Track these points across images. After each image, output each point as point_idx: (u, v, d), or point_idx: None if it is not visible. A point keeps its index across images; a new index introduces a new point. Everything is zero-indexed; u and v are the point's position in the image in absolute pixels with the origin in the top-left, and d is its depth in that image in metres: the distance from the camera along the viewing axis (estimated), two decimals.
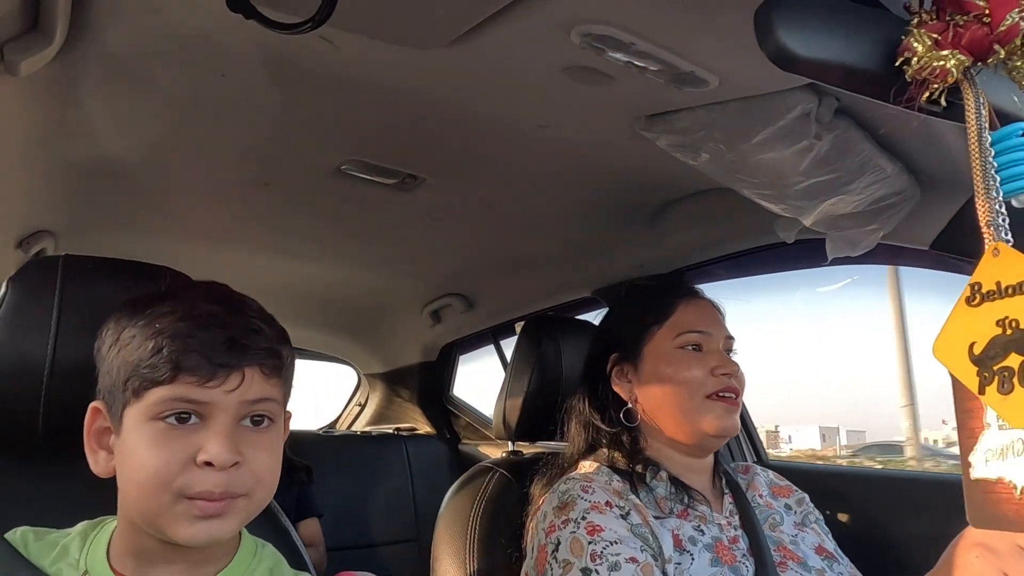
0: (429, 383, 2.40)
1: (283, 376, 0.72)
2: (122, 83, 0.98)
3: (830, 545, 1.10)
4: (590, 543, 0.92)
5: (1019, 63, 0.49)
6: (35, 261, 0.91)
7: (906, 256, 1.15)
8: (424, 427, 2.49)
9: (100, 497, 0.72)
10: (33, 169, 1.26)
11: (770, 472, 1.23)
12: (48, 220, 1.45)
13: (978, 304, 0.52)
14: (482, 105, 1.04)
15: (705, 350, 1.08)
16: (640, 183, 1.33)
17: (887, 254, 1.16)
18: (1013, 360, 0.49)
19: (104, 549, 0.71)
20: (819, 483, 1.48)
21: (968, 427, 0.52)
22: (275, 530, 0.98)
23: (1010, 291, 0.50)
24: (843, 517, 1.42)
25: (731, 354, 1.11)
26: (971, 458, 0.51)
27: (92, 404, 0.71)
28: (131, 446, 0.66)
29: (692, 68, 0.80)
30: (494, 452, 2.12)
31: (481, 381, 2.44)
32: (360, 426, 2.74)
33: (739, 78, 0.83)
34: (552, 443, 1.38)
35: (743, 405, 1.64)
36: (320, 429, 2.77)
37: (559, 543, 0.95)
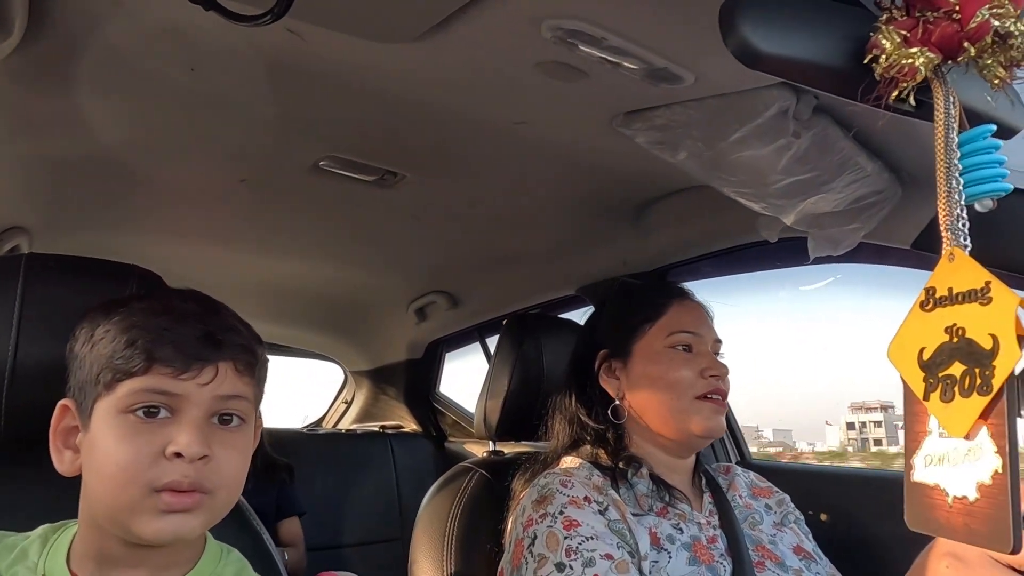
0: (415, 381, 2.39)
1: (256, 376, 0.72)
2: (87, 77, 0.96)
3: (808, 545, 1.09)
4: (566, 538, 0.91)
5: (990, 61, 0.47)
6: None
7: (888, 255, 1.14)
8: (410, 425, 2.48)
9: (63, 500, 0.71)
10: (8, 163, 1.24)
11: (751, 473, 1.22)
12: (22, 217, 1.43)
13: (931, 309, 0.51)
14: (458, 101, 1.02)
15: (695, 351, 1.07)
16: (622, 181, 1.31)
17: (869, 253, 1.15)
18: (956, 368, 0.48)
19: (64, 553, 0.70)
20: (803, 483, 1.47)
21: (913, 430, 0.52)
22: (245, 532, 0.97)
23: (960, 298, 0.49)
24: (826, 517, 1.41)
25: (719, 357, 1.11)
26: (913, 460, 0.51)
27: (60, 402, 0.70)
28: (100, 440, 0.65)
29: (666, 64, 0.78)
30: (481, 450, 2.11)
31: (468, 379, 2.43)
32: (346, 424, 2.73)
33: (715, 75, 0.81)
34: (534, 443, 1.37)
35: (728, 409, 1.64)
36: (306, 427, 2.75)
37: (535, 537, 0.94)
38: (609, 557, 0.89)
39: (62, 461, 0.69)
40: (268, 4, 0.64)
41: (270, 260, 1.81)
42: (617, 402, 1.10)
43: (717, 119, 0.90)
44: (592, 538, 0.91)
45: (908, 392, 0.52)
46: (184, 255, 1.70)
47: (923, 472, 0.50)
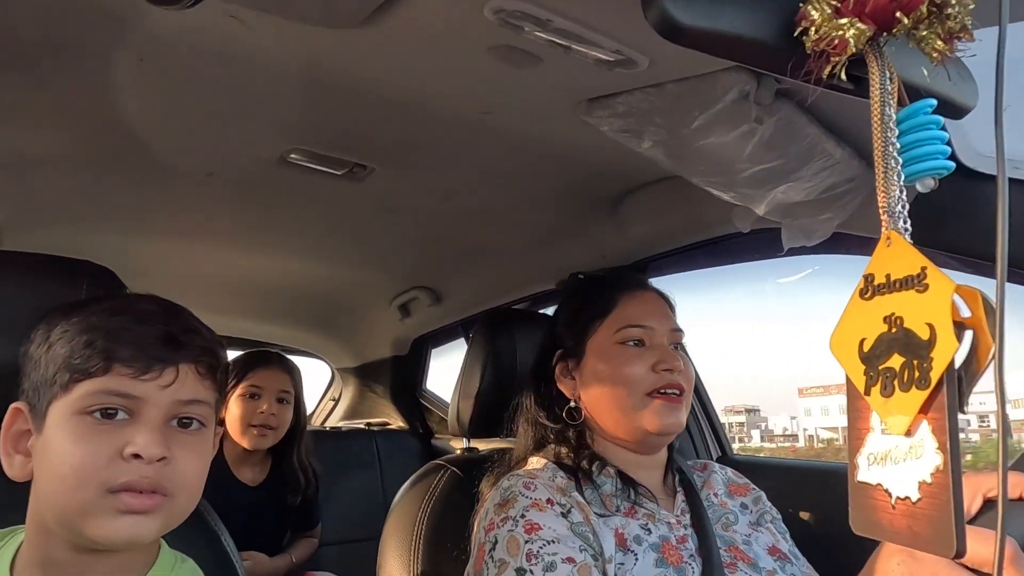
0: (401, 377, 2.37)
1: (217, 380, 0.71)
2: (39, 69, 0.94)
3: (785, 546, 1.06)
4: (527, 542, 0.89)
5: (925, 32, 0.44)
6: None
7: (863, 246, 1.11)
8: (397, 422, 2.46)
9: (14, 503, 0.69)
10: None
11: (728, 470, 1.19)
12: None
13: (870, 298, 0.48)
14: (417, 90, 1.00)
15: (648, 345, 1.03)
16: (596, 172, 1.29)
17: (844, 243, 1.13)
18: (895, 361, 0.45)
19: (10, 559, 0.68)
20: (786, 479, 1.45)
21: (856, 427, 0.49)
22: (204, 535, 0.95)
23: (897, 285, 0.46)
24: (809, 511, 1.38)
25: (678, 348, 1.07)
26: (857, 460, 0.48)
27: (13, 405, 0.68)
28: (54, 442, 0.64)
29: (617, 47, 0.75)
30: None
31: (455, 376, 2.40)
32: (334, 421, 2.71)
33: (668, 59, 0.79)
34: (511, 440, 1.35)
35: (707, 400, 1.61)
36: None
37: (497, 541, 0.92)
38: (571, 561, 0.86)
39: (12, 465, 0.67)
40: None
41: (248, 256, 1.79)
42: (573, 403, 1.07)
43: (677, 105, 0.87)
44: (554, 541, 0.88)
45: (850, 387, 0.50)
46: (158, 252, 1.69)
47: (866, 472, 0.48)
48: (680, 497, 1.06)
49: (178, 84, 1.01)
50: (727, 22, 0.46)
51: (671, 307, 1.10)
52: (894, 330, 0.46)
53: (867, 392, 0.48)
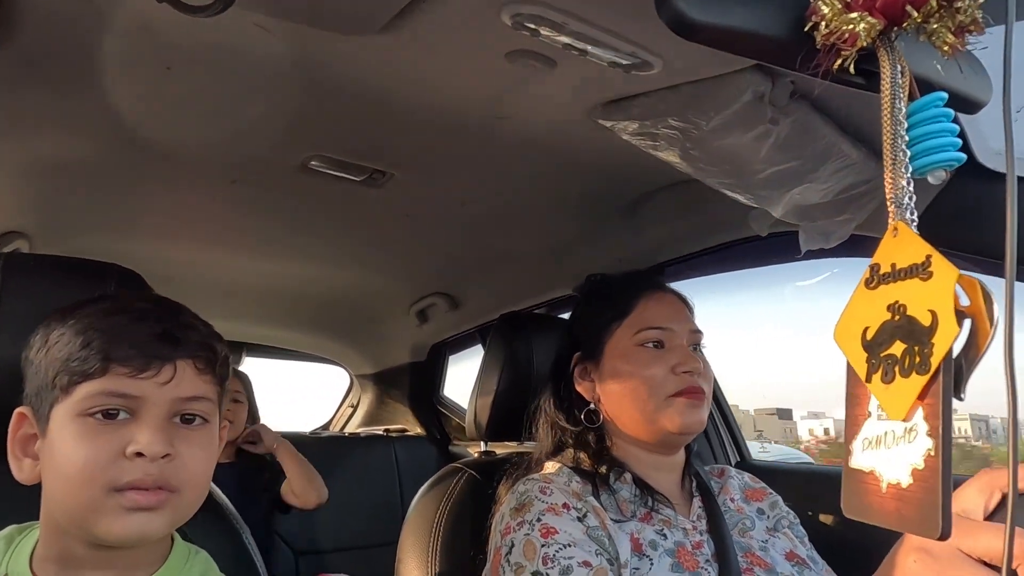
0: (419, 384, 2.38)
1: (217, 373, 0.71)
2: (65, 78, 0.97)
3: (803, 551, 1.05)
4: (543, 546, 0.89)
5: (936, 26, 0.45)
6: None
7: None
8: (415, 428, 2.47)
9: (25, 499, 0.70)
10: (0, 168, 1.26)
11: (745, 474, 1.18)
12: (19, 221, 1.46)
13: (875, 287, 0.48)
14: (436, 96, 1.02)
15: (667, 347, 1.03)
16: (612, 176, 1.30)
17: (863, 245, 1.12)
18: (897, 348, 0.46)
19: (28, 555, 0.69)
20: (804, 484, 1.44)
21: (853, 414, 0.49)
22: (224, 529, 0.96)
23: (902, 274, 0.46)
24: (827, 516, 1.37)
25: (697, 348, 1.06)
26: (851, 445, 0.49)
27: (17, 410, 0.69)
28: (58, 445, 0.64)
29: (632, 50, 0.76)
30: None
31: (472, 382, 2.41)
32: (352, 428, 2.73)
33: (682, 61, 0.79)
34: (528, 444, 1.35)
35: (724, 404, 1.61)
36: (312, 431, 2.75)
37: (513, 545, 0.92)
38: (587, 565, 0.87)
39: (21, 469, 0.68)
40: None
41: (269, 262, 1.82)
42: (592, 405, 1.07)
43: (692, 107, 0.88)
44: (570, 545, 0.89)
45: (851, 374, 0.50)
46: (182, 258, 1.72)
47: (860, 457, 0.48)
48: (697, 502, 1.05)
49: (202, 92, 1.04)
50: (739, 18, 0.47)
51: (690, 308, 1.10)
52: (897, 318, 0.46)
53: (868, 379, 0.48)
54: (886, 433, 0.46)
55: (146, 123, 1.13)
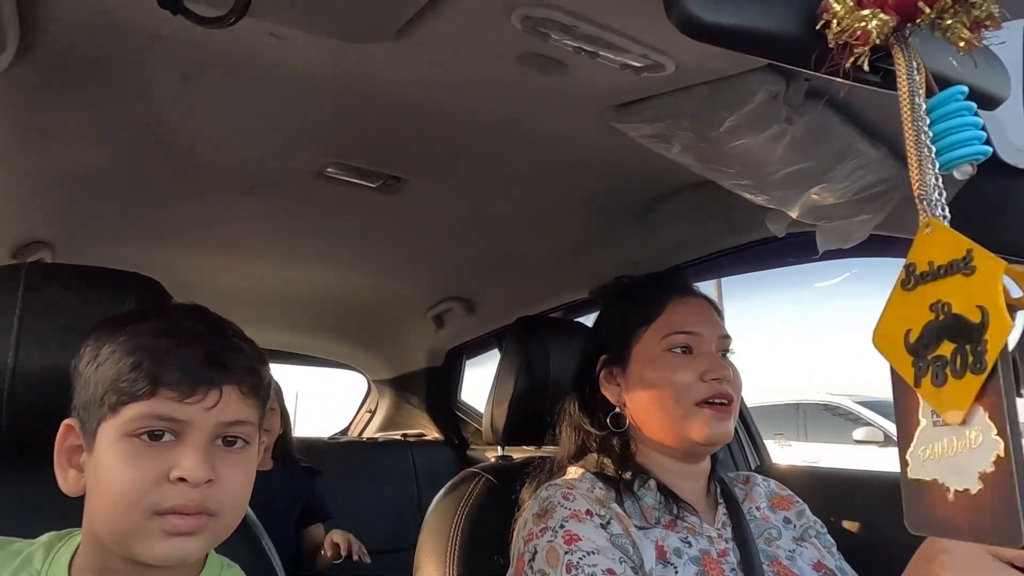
0: (436, 388, 2.39)
1: (260, 398, 0.72)
2: (85, 88, 0.98)
3: (831, 561, 1.03)
4: (567, 553, 0.88)
5: (950, 22, 0.44)
6: None
7: (901, 247, 1.09)
8: (432, 433, 2.48)
9: (66, 506, 0.71)
10: (21, 178, 1.28)
11: (772, 482, 1.15)
12: (43, 231, 1.48)
13: (913, 287, 0.47)
14: (449, 101, 1.02)
15: (696, 352, 1.01)
16: (626, 178, 1.29)
17: (882, 245, 1.10)
18: (945, 348, 0.44)
19: (67, 562, 0.70)
20: (830, 489, 1.42)
21: (906, 422, 0.47)
22: (246, 541, 0.97)
23: (942, 271, 0.45)
24: (853, 521, 1.35)
25: (726, 355, 1.04)
26: (908, 455, 0.47)
27: (65, 421, 0.70)
28: (103, 463, 0.65)
29: (644, 51, 0.76)
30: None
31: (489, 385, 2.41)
32: (371, 432, 2.74)
33: (695, 61, 0.79)
34: (546, 448, 1.35)
35: (744, 408, 1.59)
36: (331, 436, 2.77)
37: (536, 552, 0.92)
38: (611, 572, 0.85)
39: (67, 480, 0.69)
40: (228, 3, 0.65)
41: (286, 269, 1.83)
42: (618, 409, 1.05)
43: (706, 108, 0.87)
44: (593, 552, 0.87)
45: (897, 380, 0.48)
46: (202, 265, 1.74)
47: (920, 468, 0.46)
48: (722, 509, 1.03)
49: (220, 101, 1.05)
50: (749, 17, 0.47)
51: (719, 312, 1.08)
52: (942, 317, 0.45)
53: (917, 384, 0.46)
54: (947, 439, 0.44)
55: (162, 132, 1.15)
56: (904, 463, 0.47)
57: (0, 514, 0.83)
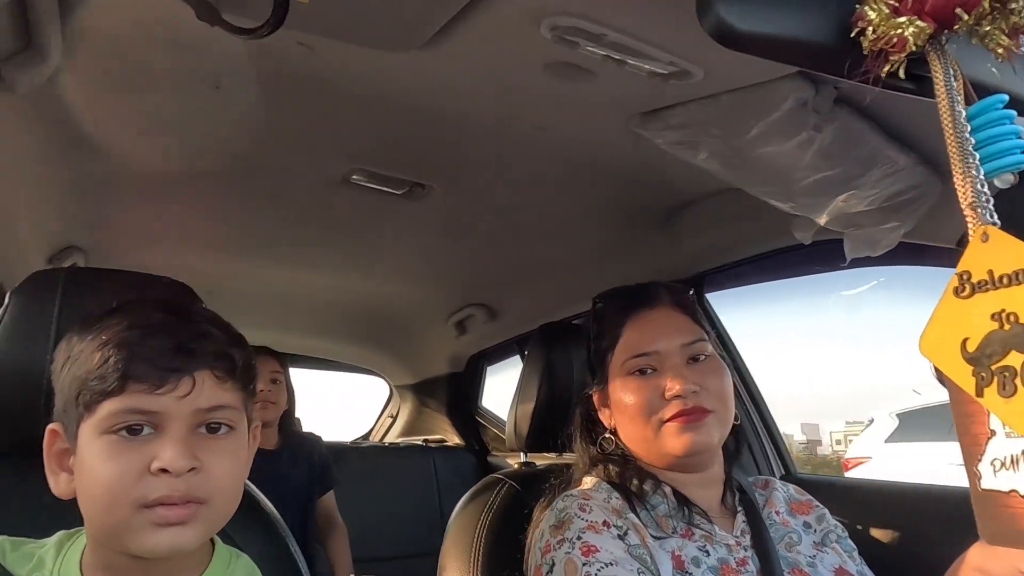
0: (457, 394, 2.39)
1: (239, 380, 0.70)
2: (119, 98, 1.01)
3: (852, 566, 1.01)
4: (584, 564, 0.88)
5: (988, 28, 0.44)
6: (37, 273, 0.93)
7: (931, 255, 1.07)
8: (453, 439, 2.48)
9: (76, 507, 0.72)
10: (61, 185, 1.31)
11: (791, 487, 1.14)
12: (76, 236, 1.51)
13: (968, 296, 0.46)
14: (476, 109, 1.03)
15: (659, 369, 0.98)
16: (650, 185, 1.29)
17: (910, 254, 1.09)
18: (1014, 359, 0.43)
19: (77, 560, 0.71)
20: (853, 499, 1.40)
21: (971, 432, 0.46)
22: (264, 531, 0.97)
23: (1006, 281, 0.44)
24: (877, 534, 1.33)
25: (699, 359, 1.00)
26: (979, 467, 0.46)
27: (49, 426, 0.70)
28: (86, 462, 0.65)
29: (672, 59, 0.76)
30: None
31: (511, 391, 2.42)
32: (392, 437, 2.75)
33: (724, 69, 0.79)
34: (568, 456, 1.35)
35: (768, 416, 1.57)
36: (353, 441, 2.79)
37: (553, 564, 0.91)
38: None
39: (58, 483, 0.69)
40: (264, 15, 0.66)
41: (312, 275, 1.85)
42: (607, 433, 1.05)
43: (734, 115, 0.87)
44: (611, 564, 0.87)
45: (955, 390, 0.47)
46: (229, 271, 1.76)
47: (994, 479, 0.45)
48: (740, 517, 1.02)
49: (249, 109, 1.07)
50: (783, 26, 0.47)
51: (690, 313, 1.04)
52: (1007, 327, 0.44)
53: (979, 394, 0.45)
54: (1022, 449, 0.43)
55: (192, 140, 1.17)
56: (974, 475, 0.46)
57: (33, 514, 0.85)
